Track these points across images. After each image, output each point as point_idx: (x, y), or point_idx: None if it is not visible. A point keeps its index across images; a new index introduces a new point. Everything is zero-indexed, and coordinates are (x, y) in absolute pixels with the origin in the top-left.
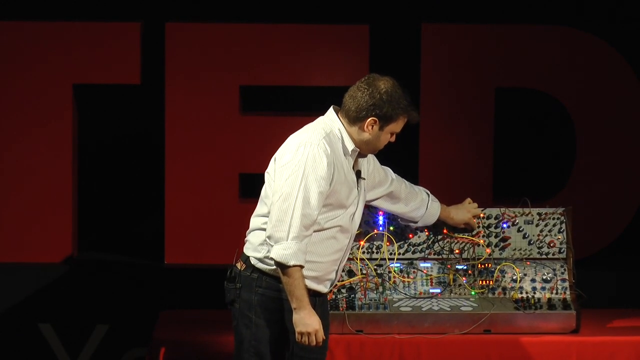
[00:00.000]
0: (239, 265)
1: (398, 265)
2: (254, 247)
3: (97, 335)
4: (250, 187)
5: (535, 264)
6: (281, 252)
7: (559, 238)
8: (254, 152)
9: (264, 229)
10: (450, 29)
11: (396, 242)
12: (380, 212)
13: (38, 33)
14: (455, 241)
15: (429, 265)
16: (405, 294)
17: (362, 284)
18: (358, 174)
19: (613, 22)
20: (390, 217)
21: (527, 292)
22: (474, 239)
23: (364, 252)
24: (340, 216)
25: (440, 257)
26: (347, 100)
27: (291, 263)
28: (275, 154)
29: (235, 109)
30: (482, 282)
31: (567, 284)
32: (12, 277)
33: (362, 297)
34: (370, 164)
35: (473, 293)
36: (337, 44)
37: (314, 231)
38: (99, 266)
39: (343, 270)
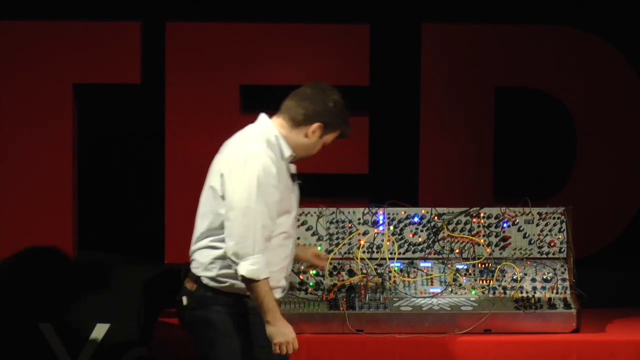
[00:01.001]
0: (189, 285)
1: (398, 264)
2: (205, 266)
3: (97, 335)
4: None
5: (536, 264)
6: (250, 267)
7: (559, 238)
8: None
9: (212, 247)
10: (451, 28)
11: (396, 242)
12: (381, 212)
13: (38, 33)
14: (456, 241)
15: (429, 264)
16: (406, 293)
17: (362, 283)
18: (293, 178)
19: (614, 22)
20: (391, 217)
21: (527, 292)
22: (474, 238)
23: (364, 252)
24: (286, 222)
25: (440, 256)
26: (293, 103)
27: (262, 277)
28: (218, 167)
29: (235, 109)
30: (483, 282)
31: (567, 284)
32: (13, 277)
33: (363, 296)
34: None
35: (473, 293)
36: (337, 44)
37: (272, 243)
38: (99, 266)
39: (343, 270)
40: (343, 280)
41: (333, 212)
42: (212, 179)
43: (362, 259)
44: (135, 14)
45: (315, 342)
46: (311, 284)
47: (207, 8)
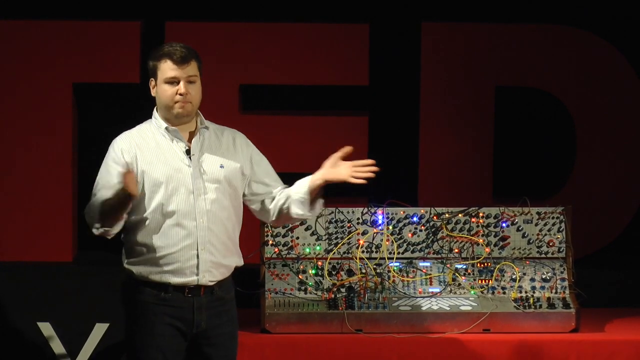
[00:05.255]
0: (121, 275)
1: (397, 264)
2: (123, 257)
3: (96, 335)
4: None
5: (535, 263)
6: (95, 232)
7: (558, 237)
8: None
9: (123, 240)
10: (450, 27)
11: (395, 242)
12: (380, 212)
13: (38, 32)
14: (455, 240)
15: (428, 264)
16: (405, 293)
17: (361, 283)
18: (187, 152)
19: (614, 21)
20: (390, 217)
21: (526, 292)
22: (473, 238)
23: (363, 251)
24: (174, 200)
25: (439, 256)
26: None
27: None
28: None
29: (235, 108)
30: (482, 282)
31: (566, 283)
32: (13, 277)
33: (362, 296)
34: (253, 165)
35: (472, 292)
36: (337, 43)
37: (154, 222)
38: (99, 266)
39: (342, 270)
40: (342, 280)
41: (332, 212)
42: None
43: (361, 258)
44: (135, 14)
45: (315, 341)
46: (310, 283)
47: (207, 8)
